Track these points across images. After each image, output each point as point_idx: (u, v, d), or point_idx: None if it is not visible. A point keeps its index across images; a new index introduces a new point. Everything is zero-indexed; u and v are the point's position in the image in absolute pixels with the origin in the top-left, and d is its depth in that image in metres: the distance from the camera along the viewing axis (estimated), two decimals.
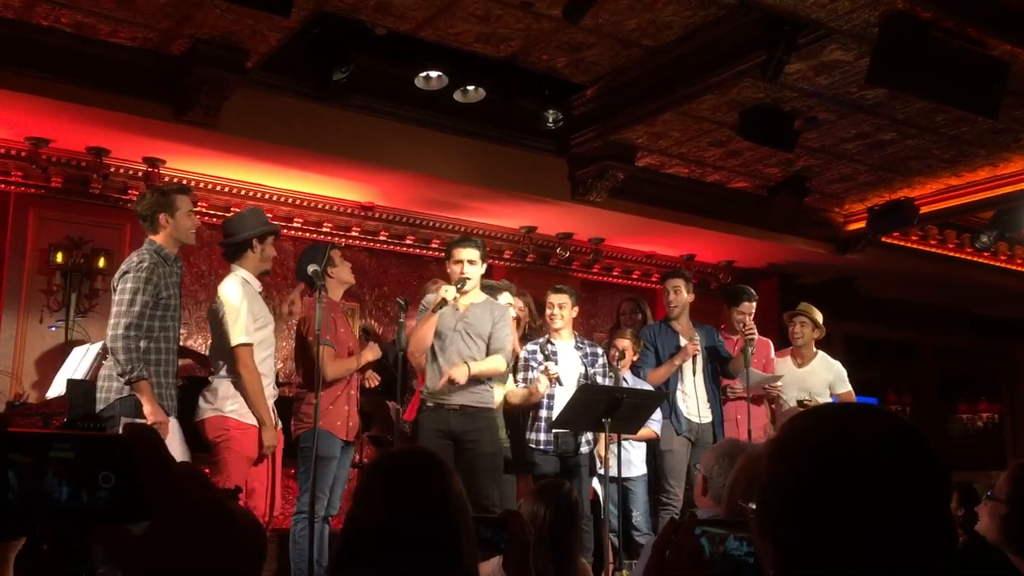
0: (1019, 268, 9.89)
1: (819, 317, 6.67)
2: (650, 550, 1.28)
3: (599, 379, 5.80)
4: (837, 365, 6.68)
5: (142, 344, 4.31)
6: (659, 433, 6.01)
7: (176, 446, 4.36)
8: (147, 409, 4.23)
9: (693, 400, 6.15)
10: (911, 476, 0.99)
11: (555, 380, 5.49)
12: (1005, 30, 5.22)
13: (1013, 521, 2.29)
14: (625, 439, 5.76)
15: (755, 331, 6.15)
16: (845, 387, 6.62)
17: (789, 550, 1.00)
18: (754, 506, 1.06)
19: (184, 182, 6.94)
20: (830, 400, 6.50)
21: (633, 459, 6.01)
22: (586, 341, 6.07)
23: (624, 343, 6.00)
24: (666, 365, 6.11)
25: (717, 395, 6.27)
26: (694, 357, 6.19)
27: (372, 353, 5.31)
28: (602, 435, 5.52)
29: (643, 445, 6.07)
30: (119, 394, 4.29)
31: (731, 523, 1.24)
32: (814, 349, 6.71)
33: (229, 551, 0.75)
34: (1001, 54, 5.43)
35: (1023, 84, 5.88)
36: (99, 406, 4.35)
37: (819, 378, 6.58)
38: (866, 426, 1.05)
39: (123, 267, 4.45)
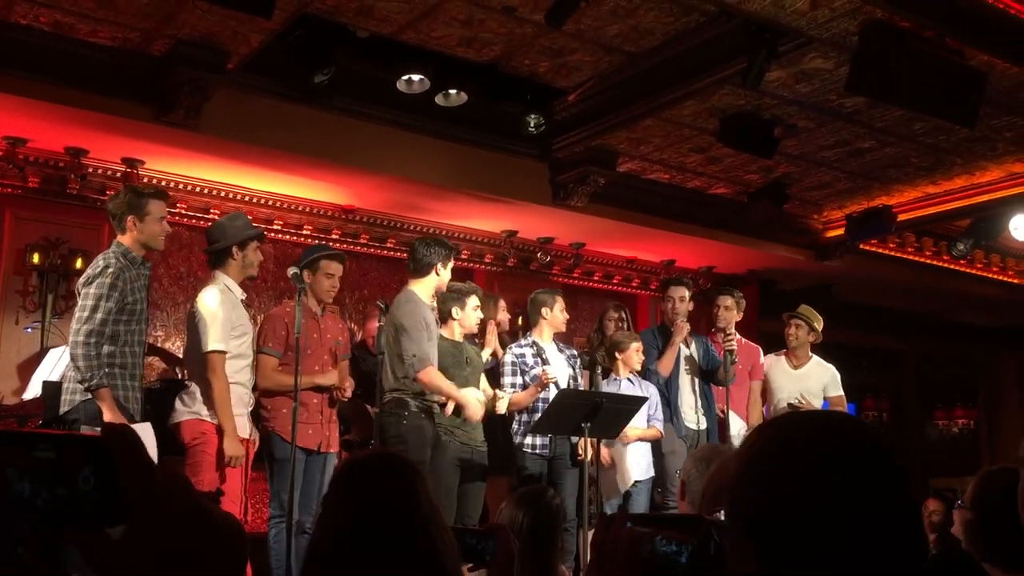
0: (995, 276, 9.98)
1: (818, 322, 6.72)
2: None
3: (580, 380, 5.86)
4: (832, 369, 6.73)
5: (107, 349, 4.25)
6: (663, 432, 6.04)
7: (149, 450, 4.32)
8: (107, 416, 4.18)
9: (690, 407, 6.21)
10: (879, 485, 1.02)
11: (553, 383, 5.52)
12: (983, 40, 5.28)
13: (977, 526, 2.33)
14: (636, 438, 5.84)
15: (735, 342, 6.20)
16: (838, 391, 6.67)
17: (769, 554, 1.02)
18: (722, 514, 1.08)
19: (163, 183, 6.91)
20: (822, 402, 6.57)
21: (640, 461, 6.02)
22: (565, 347, 6.12)
23: (636, 345, 6.07)
24: (668, 351, 6.20)
25: (711, 403, 6.32)
26: (688, 366, 6.25)
27: (325, 379, 5.13)
28: (584, 440, 5.56)
29: (647, 448, 6.05)
30: (84, 396, 4.25)
31: (660, 518, 1.25)
32: (809, 353, 6.74)
33: (209, 553, 0.75)
34: (979, 64, 5.49)
35: (1000, 94, 5.94)
36: (64, 407, 4.30)
37: (815, 380, 6.63)
38: (834, 436, 1.07)
39: (88, 271, 4.38)
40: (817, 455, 1.04)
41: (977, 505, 2.35)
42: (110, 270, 4.30)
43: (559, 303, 5.92)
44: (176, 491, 0.75)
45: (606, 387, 5.88)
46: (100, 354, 4.22)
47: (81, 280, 4.41)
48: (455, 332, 5.50)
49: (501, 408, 5.35)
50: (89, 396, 4.23)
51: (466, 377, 5.36)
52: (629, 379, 6.07)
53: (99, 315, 4.23)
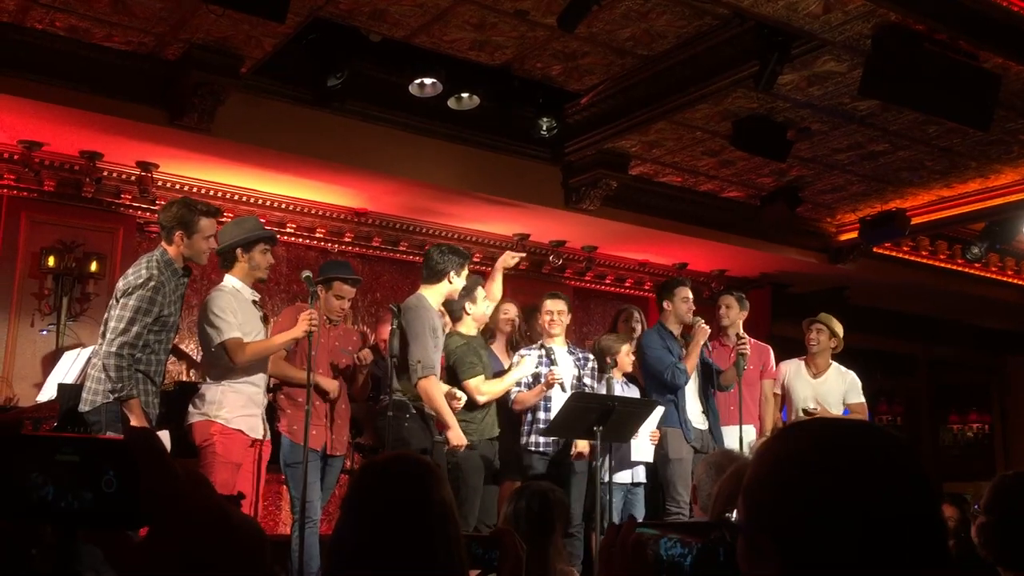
0: (1010, 279, 9.92)
1: (838, 328, 6.62)
2: None
3: (587, 380, 5.84)
4: (851, 375, 6.61)
5: (135, 355, 4.31)
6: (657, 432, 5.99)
7: None
8: (135, 425, 4.23)
9: (695, 409, 6.18)
10: (899, 490, 1.04)
11: (559, 383, 5.54)
12: (997, 43, 5.26)
13: (992, 531, 2.33)
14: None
15: (747, 345, 6.16)
16: (858, 397, 6.56)
17: (791, 554, 1.04)
18: (734, 515, 1.09)
19: (177, 187, 6.95)
20: (842, 410, 6.51)
21: (639, 468, 6.01)
22: (577, 348, 6.11)
23: (627, 347, 6.05)
24: (693, 352, 6.08)
25: (712, 403, 6.30)
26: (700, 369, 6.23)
27: (325, 383, 5.10)
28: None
29: (649, 452, 6.01)
30: (106, 399, 4.29)
31: (666, 525, 1.25)
32: (829, 360, 6.67)
33: (230, 557, 0.75)
34: (993, 67, 5.46)
35: (1015, 96, 5.92)
36: (84, 407, 4.33)
37: (833, 388, 6.55)
38: (855, 442, 1.09)
39: (131, 278, 4.40)
40: (848, 458, 1.06)
41: (992, 510, 2.34)
42: (152, 283, 4.34)
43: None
44: (198, 494, 0.75)
45: (600, 389, 5.83)
46: (132, 364, 4.28)
47: (121, 286, 4.41)
48: (470, 327, 5.55)
49: (458, 405, 5.32)
50: (111, 399, 4.27)
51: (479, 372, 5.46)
52: (625, 382, 6.05)
53: (136, 328, 4.29)
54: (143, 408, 4.31)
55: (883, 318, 10.54)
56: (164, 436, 4.39)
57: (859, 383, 6.60)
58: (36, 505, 0.71)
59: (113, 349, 4.25)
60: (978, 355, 12.08)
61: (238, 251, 4.81)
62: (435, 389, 5.05)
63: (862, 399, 6.58)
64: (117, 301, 4.40)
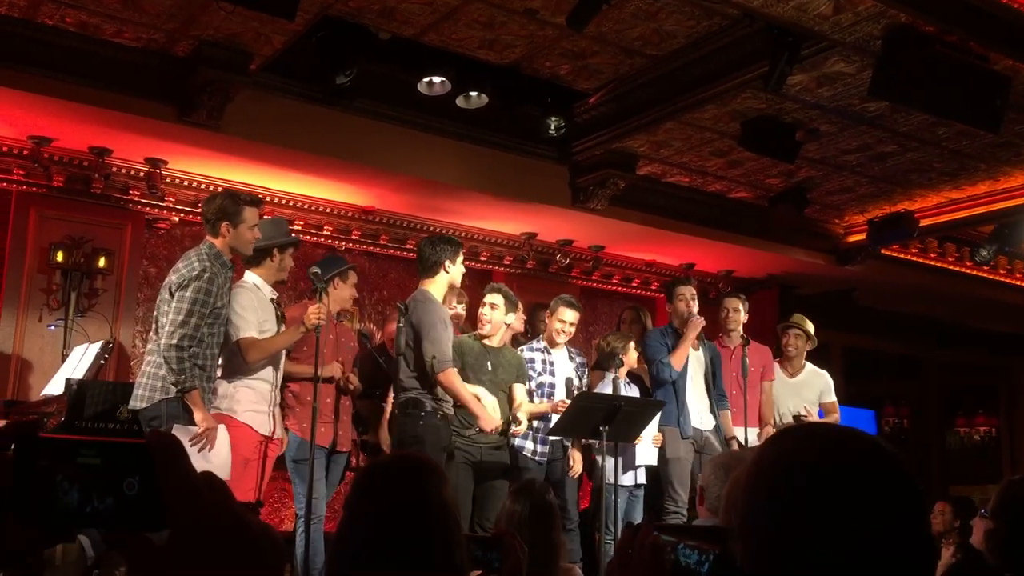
0: (1018, 282, 9.89)
1: (811, 328, 6.70)
2: None
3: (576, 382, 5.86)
4: (826, 375, 6.76)
5: (192, 350, 4.33)
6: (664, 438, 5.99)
7: (223, 450, 4.36)
8: (199, 416, 4.26)
9: (695, 407, 6.15)
10: (886, 495, 1.04)
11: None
12: (1008, 45, 5.24)
13: (1000, 536, 2.32)
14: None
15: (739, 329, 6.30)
16: (832, 397, 6.70)
17: (768, 563, 1.03)
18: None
19: (186, 183, 6.97)
20: (817, 409, 6.59)
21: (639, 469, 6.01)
22: (576, 354, 6.07)
23: (632, 344, 6.05)
24: (682, 345, 6.04)
25: (716, 406, 6.29)
26: (696, 366, 6.20)
27: (325, 370, 4.97)
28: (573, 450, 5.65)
29: (654, 455, 5.99)
30: (165, 394, 4.28)
31: (684, 529, 1.24)
32: (804, 361, 6.74)
33: (246, 564, 0.75)
34: (1003, 69, 5.44)
35: None
36: (140, 403, 4.32)
37: (812, 388, 6.66)
38: (841, 448, 1.09)
39: (183, 271, 4.39)
40: (830, 467, 1.06)
41: (1000, 515, 2.33)
42: (206, 275, 4.35)
43: (560, 310, 5.84)
44: (216, 502, 0.76)
45: (602, 388, 5.81)
46: (191, 356, 4.29)
47: (175, 279, 4.40)
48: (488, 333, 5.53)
49: (519, 430, 5.32)
50: (169, 395, 4.27)
51: (492, 379, 5.37)
52: (627, 381, 6.04)
53: (194, 320, 4.30)
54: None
55: (891, 320, 10.52)
56: (222, 431, 4.40)
57: (832, 382, 6.71)
58: (58, 507, 0.71)
59: (173, 342, 4.25)
60: (986, 358, 12.04)
61: (275, 250, 4.83)
62: (456, 380, 4.97)
63: (835, 399, 6.75)
64: (171, 295, 4.37)
